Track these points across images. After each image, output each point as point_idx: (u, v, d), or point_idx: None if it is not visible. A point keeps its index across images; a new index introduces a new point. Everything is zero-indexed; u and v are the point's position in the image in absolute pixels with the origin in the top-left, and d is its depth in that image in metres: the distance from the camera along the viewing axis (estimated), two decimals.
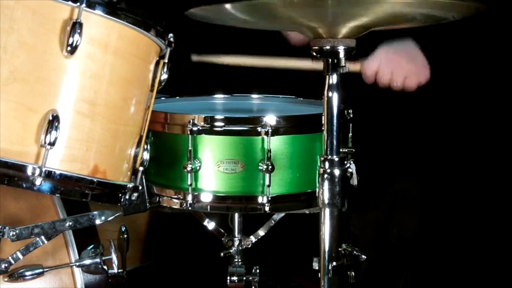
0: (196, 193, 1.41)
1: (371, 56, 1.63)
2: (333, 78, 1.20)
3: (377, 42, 1.63)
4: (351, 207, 1.35)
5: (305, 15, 1.14)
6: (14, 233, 1.29)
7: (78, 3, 1.12)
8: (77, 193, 1.20)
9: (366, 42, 1.29)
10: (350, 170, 1.43)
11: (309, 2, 1.07)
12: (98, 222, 1.40)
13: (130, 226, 1.49)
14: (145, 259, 2.23)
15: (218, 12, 1.21)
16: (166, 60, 1.31)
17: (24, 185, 1.11)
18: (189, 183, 1.40)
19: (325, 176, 1.20)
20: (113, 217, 1.41)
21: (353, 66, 1.63)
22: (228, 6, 1.12)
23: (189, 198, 1.41)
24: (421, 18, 1.20)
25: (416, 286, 1.73)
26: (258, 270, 1.61)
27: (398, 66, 1.62)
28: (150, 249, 2.25)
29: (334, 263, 1.23)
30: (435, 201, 1.72)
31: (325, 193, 1.20)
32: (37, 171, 1.10)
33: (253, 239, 1.68)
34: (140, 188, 1.33)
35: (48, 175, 1.12)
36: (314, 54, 1.21)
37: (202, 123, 1.39)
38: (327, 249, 1.23)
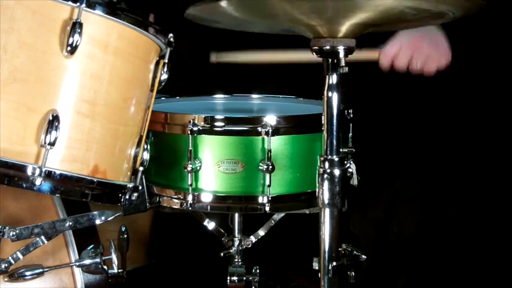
0: (196, 193, 1.41)
1: (390, 41, 1.59)
2: (333, 78, 1.20)
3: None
4: (351, 207, 1.35)
5: (303, 11, 1.13)
6: (14, 233, 1.29)
7: (78, 3, 1.12)
8: (77, 193, 1.20)
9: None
10: (350, 170, 1.43)
11: None
12: (98, 222, 1.40)
13: (131, 226, 1.49)
14: (145, 259, 2.23)
15: (214, 11, 1.20)
16: (166, 60, 1.31)
17: (24, 185, 1.11)
18: (189, 183, 1.40)
19: (325, 176, 1.20)
20: (112, 217, 1.41)
21: (371, 55, 1.60)
22: (223, 3, 1.11)
23: (189, 198, 1.41)
24: (418, 14, 1.20)
25: (416, 285, 1.73)
26: (258, 270, 1.61)
27: (419, 50, 1.58)
28: (150, 250, 2.25)
29: (334, 263, 1.23)
30: (434, 201, 1.72)
31: (325, 193, 1.20)
32: (37, 171, 1.10)
33: (253, 239, 1.68)
34: (140, 188, 1.33)
35: (48, 175, 1.12)
36: (315, 54, 1.21)
37: (202, 123, 1.39)
38: (327, 249, 1.23)
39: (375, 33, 1.22)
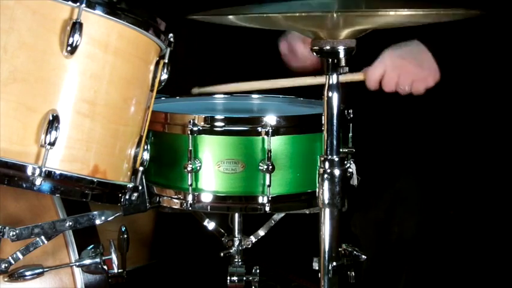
0: (196, 193, 1.41)
1: (375, 63, 1.59)
2: (333, 78, 1.20)
3: (380, 43, 1.61)
4: (351, 207, 1.35)
5: (304, 25, 1.16)
6: (14, 233, 1.28)
7: (78, 3, 1.12)
8: (77, 193, 1.20)
9: (369, 44, 1.28)
10: (350, 170, 1.43)
11: (310, 16, 1.08)
12: (98, 222, 1.40)
13: (131, 226, 1.49)
14: (145, 259, 2.23)
15: (219, 20, 1.22)
16: (166, 60, 1.31)
17: (24, 185, 1.11)
18: (189, 183, 1.40)
19: (325, 176, 1.20)
20: (113, 217, 1.41)
21: (356, 76, 1.60)
22: (231, 17, 1.13)
23: (189, 198, 1.41)
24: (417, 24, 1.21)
25: (417, 285, 1.73)
26: (258, 270, 1.61)
27: (405, 72, 1.57)
28: (150, 250, 2.26)
29: (334, 263, 1.23)
30: (435, 201, 1.72)
31: (325, 193, 1.20)
32: (37, 171, 1.10)
33: (253, 239, 1.68)
34: (140, 188, 1.33)
35: (48, 175, 1.12)
36: (315, 54, 1.21)
37: (202, 123, 1.39)
38: (327, 249, 1.23)
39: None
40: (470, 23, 1.25)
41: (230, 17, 1.13)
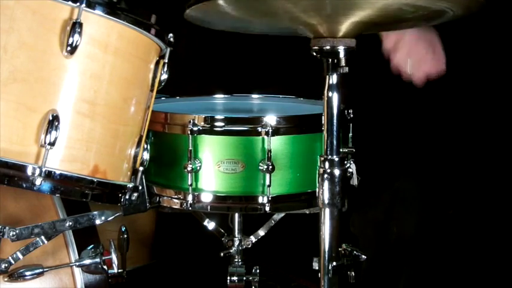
0: (196, 193, 1.41)
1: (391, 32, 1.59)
2: (333, 78, 1.20)
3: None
4: (351, 207, 1.35)
5: (301, 9, 1.13)
6: (14, 233, 1.28)
7: (78, 3, 1.12)
8: (77, 193, 1.20)
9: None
10: (350, 170, 1.43)
11: None
12: (98, 222, 1.40)
13: (131, 226, 1.49)
14: (145, 259, 2.23)
15: (212, 11, 1.20)
16: (166, 60, 1.31)
17: (24, 185, 1.11)
18: (189, 183, 1.40)
19: (325, 176, 1.20)
20: (113, 217, 1.41)
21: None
22: (220, 2, 1.11)
23: (190, 198, 1.41)
24: (416, 12, 1.19)
25: (416, 285, 1.73)
26: (258, 270, 1.61)
27: (415, 49, 1.58)
28: (150, 250, 2.26)
29: (334, 263, 1.23)
30: (434, 201, 1.72)
31: (325, 193, 1.21)
32: (37, 171, 1.10)
33: (253, 239, 1.68)
34: (140, 188, 1.33)
35: (48, 175, 1.12)
36: (314, 54, 1.21)
37: (202, 123, 1.39)
38: (327, 249, 1.23)
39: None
40: (471, 20, 1.24)
41: (220, 2, 1.11)
